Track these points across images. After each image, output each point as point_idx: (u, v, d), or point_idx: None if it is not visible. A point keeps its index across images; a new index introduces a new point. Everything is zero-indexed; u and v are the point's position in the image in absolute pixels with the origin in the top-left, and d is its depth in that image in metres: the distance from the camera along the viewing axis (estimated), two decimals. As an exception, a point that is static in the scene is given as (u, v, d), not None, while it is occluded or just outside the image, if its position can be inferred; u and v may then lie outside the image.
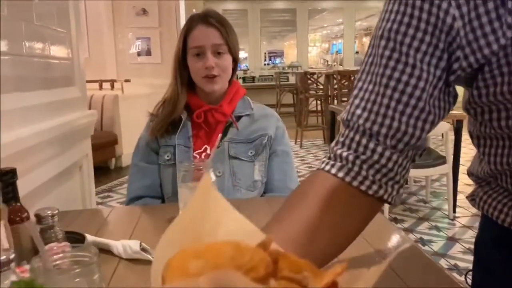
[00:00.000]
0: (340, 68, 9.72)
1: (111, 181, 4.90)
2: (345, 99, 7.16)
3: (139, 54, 6.35)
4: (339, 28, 12.87)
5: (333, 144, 0.65)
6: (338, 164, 0.61)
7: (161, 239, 0.42)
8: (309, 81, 7.56)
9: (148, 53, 6.28)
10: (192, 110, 1.45)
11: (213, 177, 1.14)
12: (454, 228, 3.33)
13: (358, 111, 0.61)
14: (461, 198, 3.67)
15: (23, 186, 1.15)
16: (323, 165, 0.63)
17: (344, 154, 0.61)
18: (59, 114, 1.44)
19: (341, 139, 0.63)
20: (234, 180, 1.40)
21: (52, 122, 1.35)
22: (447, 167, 3.54)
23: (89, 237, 0.95)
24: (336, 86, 6.89)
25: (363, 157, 0.60)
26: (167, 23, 6.14)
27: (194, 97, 1.46)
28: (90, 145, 1.72)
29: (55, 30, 1.49)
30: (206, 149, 1.44)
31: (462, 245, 2.98)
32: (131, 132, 5.35)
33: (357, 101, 0.62)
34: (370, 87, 0.61)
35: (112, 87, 5.69)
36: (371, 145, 0.60)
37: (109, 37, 6.31)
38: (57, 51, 1.50)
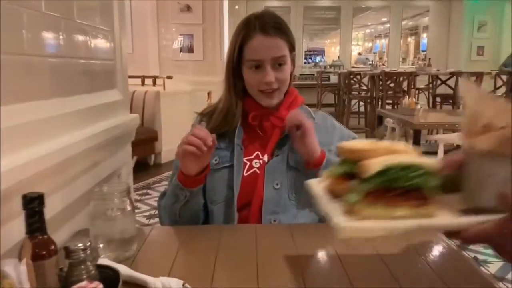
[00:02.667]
0: (384, 68, 9.37)
1: (150, 178, 4.87)
2: (389, 101, 6.89)
3: (181, 50, 6.31)
4: (383, 27, 12.47)
5: None
6: None
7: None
8: (352, 81, 7.31)
9: (191, 50, 6.23)
10: (246, 112, 1.34)
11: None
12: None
13: None
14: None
15: (54, 205, 1.07)
16: None
17: None
18: (98, 120, 1.34)
19: None
20: (291, 194, 1.27)
21: (90, 130, 1.25)
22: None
23: (124, 271, 0.83)
24: (381, 88, 6.61)
25: None
26: (210, 20, 6.07)
27: (249, 100, 1.35)
28: (131, 152, 1.61)
29: (97, 28, 1.38)
30: (258, 155, 1.32)
31: (523, 268, 2.71)
32: (172, 129, 5.37)
33: None
34: None
35: (154, 83, 5.67)
36: None
37: (153, 33, 6.31)
38: (99, 51, 1.40)
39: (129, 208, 0.97)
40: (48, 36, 1.08)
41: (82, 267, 0.73)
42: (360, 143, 0.79)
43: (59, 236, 1.06)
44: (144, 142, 5.07)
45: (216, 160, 1.30)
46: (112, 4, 1.44)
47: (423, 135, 3.72)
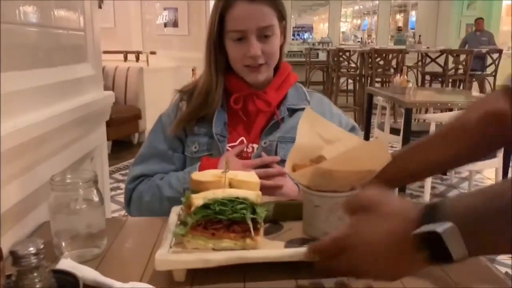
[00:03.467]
0: (373, 45, 9.23)
1: (133, 157, 4.72)
2: (379, 79, 6.79)
3: (165, 25, 6.09)
4: (372, 3, 12.27)
5: None
6: None
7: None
8: (341, 59, 7.17)
9: (175, 24, 6.02)
10: (229, 93, 1.21)
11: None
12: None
13: None
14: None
15: (21, 188, 0.96)
16: None
17: None
18: (66, 98, 1.20)
19: None
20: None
21: (56, 109, 1.12)
22: (497, 162, 3.22)
23: (89, 274, 0.72)
24: (370, 65, 6.49)
25: None
26: (195, -7, 5.83)
27: (233, 78, 1.21)
28: (105, 133, 1.48)
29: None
30: (242, 142, 1.19)
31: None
32: (156, 106, 5.17)
33: None
34: None
35: (137, 59, 5.47)
36: None
37: (136, 6, 6.07)
38: (65, 19, 1.25)
39: (96, 199, 0.85)
40: None
41: (34, 274, 0.61)
42: (208, 173, 0.84)
43: (17, 232, 0.94)
44: (127, 120, 4.92)
45: (195, 147, 1.18)
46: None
47: (413, 114, 3.63)
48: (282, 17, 1.17)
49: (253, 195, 0.77)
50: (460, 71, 6.60)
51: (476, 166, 3.20)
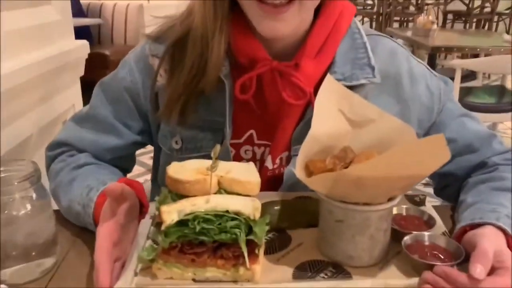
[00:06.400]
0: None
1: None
2: (397, 18, 6.33)
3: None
4: None
5: None
6: None
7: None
8: (357, -5, 6.67)
9: (178, -45, 5.53)
10: (235, 60, 0.76)
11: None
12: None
13: None
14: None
15: None
16: None
17: None
18: (27, 49, 0.96)
19: None
20: None
21: (16, 63, 0.89)
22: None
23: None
24: (389, 2, 6.02)
25: None
26: None
27: (238, 29, 0.74)
28: (80, 92, 1.22)
29: None
30: (251, 138, 0.80)
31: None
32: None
33: None
34: None
35: (137, -6, 5.08)
36: None
37: None
38: None
39: (39, 200, 0.63)
40: None
41: None
42: (190, 166, 0.61)
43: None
44: (128, 61, 4.67)
45: (177, 142, 0.80)
46: None
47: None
48: None
49: (249, 206, 0.55)
50: (487, 9, 6.10)
51: (499, 117, 2.93)
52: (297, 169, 0.57)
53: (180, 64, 0.76)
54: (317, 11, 0.75)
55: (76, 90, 1.20)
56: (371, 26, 6.60)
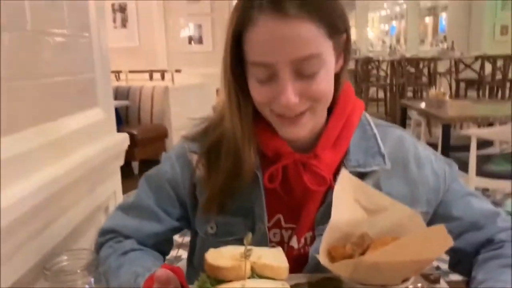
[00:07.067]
0: (402, 51, 8.95)
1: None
2: (411, 88, 6.53)
3: (190, 42, 6.05)
4: (399, 8, 11.97)
5: None
6: None
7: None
8: (370, 67, 6.96)
9: (200, 41, 5.96)
10: (262, 152, 0.86)
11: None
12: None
13: None
14: None
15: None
16: None
17: None
18: (75, 150, 1.09)
19: None
20: None
21: (64, 164, 1.01)
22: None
23: None
24: (402, 74, 6.25)
25: None
26: (219, 8, 5.76)
27: (263, 128, 0.85)
28: (120, 179, 1.36)
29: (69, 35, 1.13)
30: (279, 222, 0.89)
31: None
32: (182, 124, 5.11)
33: None
34: None
35: (163, 77, 5.43)
36: None
37: (160, 24, 6.05)
38: (69, 63, 1.15)
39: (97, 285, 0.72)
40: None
41: None
42: (226, 253, 0.69)
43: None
44: (154, 139, 4.88)
45: (212, 228, 0.89)
46: (87, 4, 1.17)
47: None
48: (336, 30, 0.77)
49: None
50: (498, 77, 6.28)
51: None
52: (321, 255, 0.65)
53: (216, 165, 0.87)
54: (331, 108, 0.86)
55: (116, 178, 1.33)
56: (385, 97, 6.81)
